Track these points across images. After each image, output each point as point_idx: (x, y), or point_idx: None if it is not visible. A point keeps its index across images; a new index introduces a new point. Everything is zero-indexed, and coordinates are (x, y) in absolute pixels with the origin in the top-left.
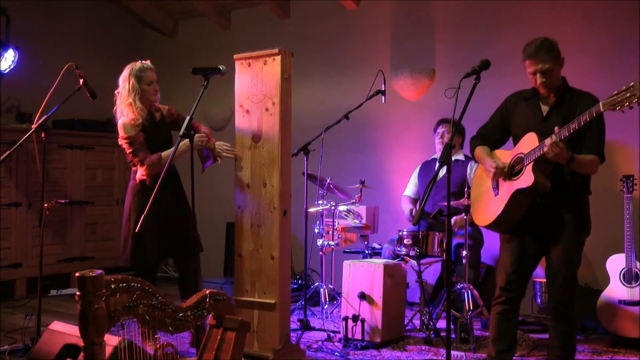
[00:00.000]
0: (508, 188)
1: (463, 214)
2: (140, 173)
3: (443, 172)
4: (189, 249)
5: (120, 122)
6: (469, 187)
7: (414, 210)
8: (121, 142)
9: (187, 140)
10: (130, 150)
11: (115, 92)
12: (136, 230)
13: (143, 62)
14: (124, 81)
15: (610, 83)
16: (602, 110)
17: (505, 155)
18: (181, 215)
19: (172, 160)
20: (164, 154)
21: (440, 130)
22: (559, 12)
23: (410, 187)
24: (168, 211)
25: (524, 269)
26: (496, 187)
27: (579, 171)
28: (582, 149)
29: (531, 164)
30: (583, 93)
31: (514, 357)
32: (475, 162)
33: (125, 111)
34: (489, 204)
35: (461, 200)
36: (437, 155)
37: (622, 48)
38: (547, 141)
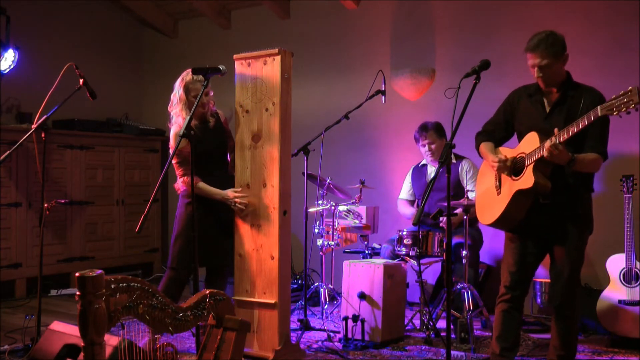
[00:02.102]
0: (510, 188)
1: (459, 213)
2: (179, 183)
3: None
4: (224, 268)
5: (171, 131)
6: (461, 187)
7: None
8: (170, 150)
9: (225, 192)
10: (175, 161)
11: (172, 95)
12: (136, 230)
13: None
14: (176, 89)
15: (611, 83)
16: (600, 114)
17: (509, 153)
18: (225, 230)
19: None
20: (201, 184)
21: (422, 141)
22: (559, 12)
23: (405, 190)
24: (225, 227)
25: (528, 268)
26: (499, 187)
27: (581, 170)
28: (585, 147)
29: (532, 164)
30: (587, 88)
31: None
32: (467, 161)
33: (175, 119)
34: (492, 203)
35: (461, 201)
36: (427, 161)
37: (623, 48)
38: (547, 144)
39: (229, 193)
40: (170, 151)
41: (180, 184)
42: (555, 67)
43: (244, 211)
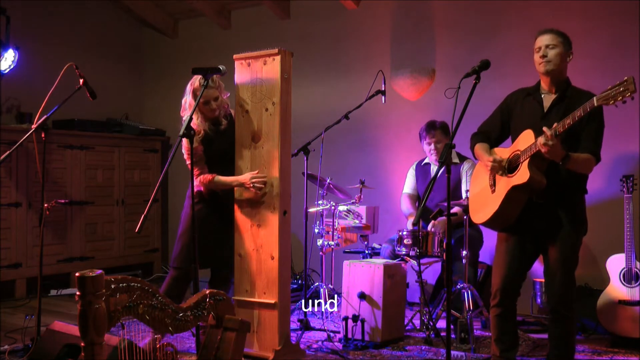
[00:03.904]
0: (505, 185)
1: (459, 213)
2: (196, 183)
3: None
4: (227, 267)
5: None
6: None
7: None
8: (183, 150)
9: (242, 178)
10: (189, 162)
11: (182, 100)
12: (136, 230)
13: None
14: (186, 94)
15: (611, 83)
16: (595, 104)
17: (504, 152)
18: (230, 231)
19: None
20: (217, 178)
21: (429, 139)
22: (559, 12)
23: (409, 184)
24: (230, 228)
25: (520, 270)
26: (493, 185)
27: (573, 170)
28: (579, 147)
29: (527, 160)
30: (584, 92)
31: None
32: (468, 162)
33: None
34: (486, 201)
35: (461, 201)
36: (430, 160)
37: (622, 48)
38: (541, 138)
39: (247, 176)
40: (185, 153)
41: (197, 183)
42: (560, 56)
43: (263, 189)
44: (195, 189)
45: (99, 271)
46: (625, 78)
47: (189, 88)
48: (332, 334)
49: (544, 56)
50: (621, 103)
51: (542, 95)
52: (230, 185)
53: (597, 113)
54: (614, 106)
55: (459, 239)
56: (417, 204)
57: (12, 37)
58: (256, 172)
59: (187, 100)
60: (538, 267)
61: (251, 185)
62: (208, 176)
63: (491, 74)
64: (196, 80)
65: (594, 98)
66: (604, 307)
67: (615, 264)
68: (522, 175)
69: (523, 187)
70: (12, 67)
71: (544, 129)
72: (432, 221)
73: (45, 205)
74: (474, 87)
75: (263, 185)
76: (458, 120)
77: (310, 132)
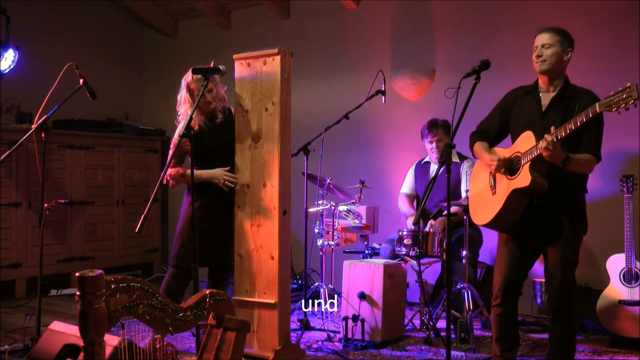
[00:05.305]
0: (506, 187)
1: (459, 213)
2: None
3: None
4: (225, 264)
5: (178, 127)
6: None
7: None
8: (172, 145)
9: (212, 172)
10: (170, 154)
11: (178, 95)
12: (136, 230)
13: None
14: (181, 89)
15: (611, 84)
16: (598, 111)
17: (504, 153)
18: (229, 230)
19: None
20: (188, 172)
21: (430, 137)
22: (559, 12)
23: (408, 185)
24: (229, 226)
25: (521, 270)
26: (494, 186)
27: (574, 171)
28: (579, 147)
29: (528, 163)
30: (583, 90)
31: None
32: (468, 161)
33: (183, 117)
34: (487, 202)
35: (461, 201)
36: (431, 158)
37: (623, 48)
38: (542, 142)
39: (217, 171)
40: (172, 146)
41: (167, 175)
42: (556, 55)
43: (232, 188)
44: (165, 179)
45: (99, 271)
46: (628, 84)
47: (183, 82)
48: (332, 334)
49: (539, 56)
50: (624, 110)
51: (541, 94)
52: (201, 179)
53: (595, 114)
54: (616, 113)
55: (459, 238)
56: (415, 204)
57: (12, 37)
58: (227, 168)
59: (182, 95)
60: (538, 267)
61: (221, 181)
62: (180, 170)
63: (491, 73)
64: (189, 75)
65: (596, 105)
66: (604, 307)
67: (615, 264)
68: (524, 179)
69: (524, 191)
70: (12, 67)
71: (545, 135)
72: (430, 221)
73: (45, 205)
74: (474, 87)
75: (233, 185)
76: (458, 120)
77: (310, 132)
